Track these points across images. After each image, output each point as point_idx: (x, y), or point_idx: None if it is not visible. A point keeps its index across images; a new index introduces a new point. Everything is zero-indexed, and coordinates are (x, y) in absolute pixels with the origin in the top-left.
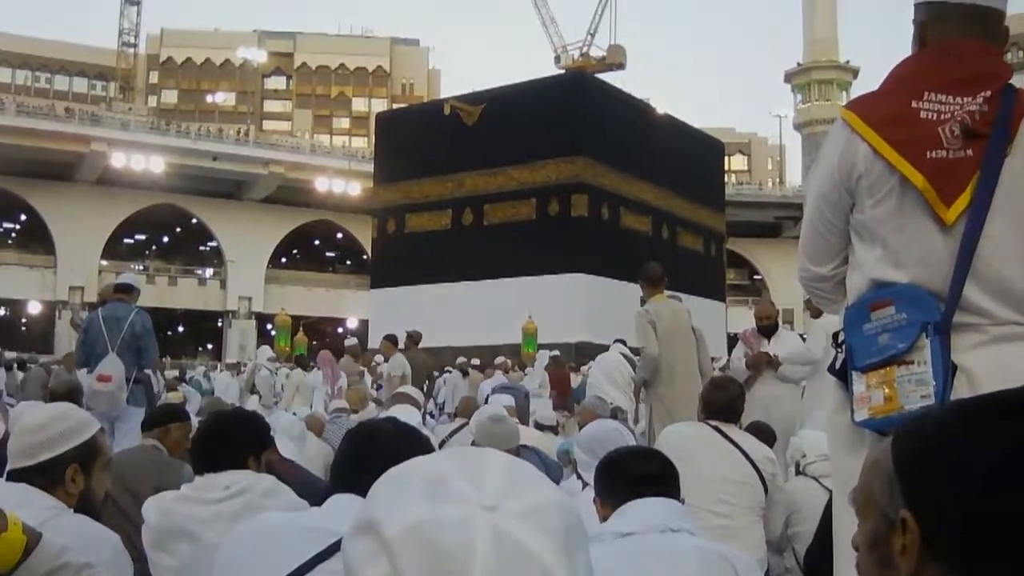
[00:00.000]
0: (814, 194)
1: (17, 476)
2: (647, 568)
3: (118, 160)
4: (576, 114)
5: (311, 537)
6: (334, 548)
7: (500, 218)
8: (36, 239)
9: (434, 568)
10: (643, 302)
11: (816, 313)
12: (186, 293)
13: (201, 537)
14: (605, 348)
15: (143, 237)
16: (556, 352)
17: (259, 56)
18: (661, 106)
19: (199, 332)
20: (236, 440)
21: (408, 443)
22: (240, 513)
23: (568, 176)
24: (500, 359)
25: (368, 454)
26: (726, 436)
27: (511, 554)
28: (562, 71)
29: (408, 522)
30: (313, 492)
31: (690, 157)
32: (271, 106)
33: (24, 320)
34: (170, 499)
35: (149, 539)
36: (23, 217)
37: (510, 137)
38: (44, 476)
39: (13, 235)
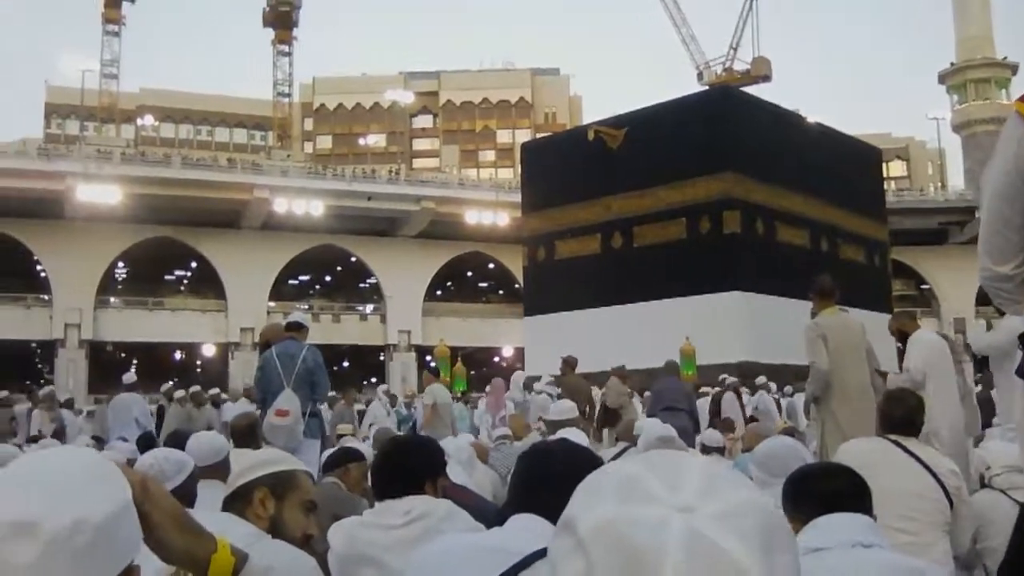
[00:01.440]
0: (990, 191)
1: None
2: None
3: (280, 205)
4: (723, 130)
5: (494, 558)
6: (518, 568)
7: (650, 239)
8: (208, 285)
9: (625, 566)
10: (813, 315)
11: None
12: (349, 329)
13: (384, 563)
14: (770, 368)
15: (307, 277)
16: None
17: (406, 97)
18: (811, 115)
19: (363, 366)
20: (413, 466)
21: (582, 462)
22: (420, 538)
23: (718, 193)
24: None
25: (543, 475)
26: (907, 450)
27: (704, 554)
28: (706, 87)
29: (600, 520)
30: (486, 516)
31: (846, 166)
32: (419, 144)
33: (199, 362)
34: (353, 525)
35: (335, 566)
36: (194, 264)
37: (656, 157)
38: (238, 502)
39: (186, 281)
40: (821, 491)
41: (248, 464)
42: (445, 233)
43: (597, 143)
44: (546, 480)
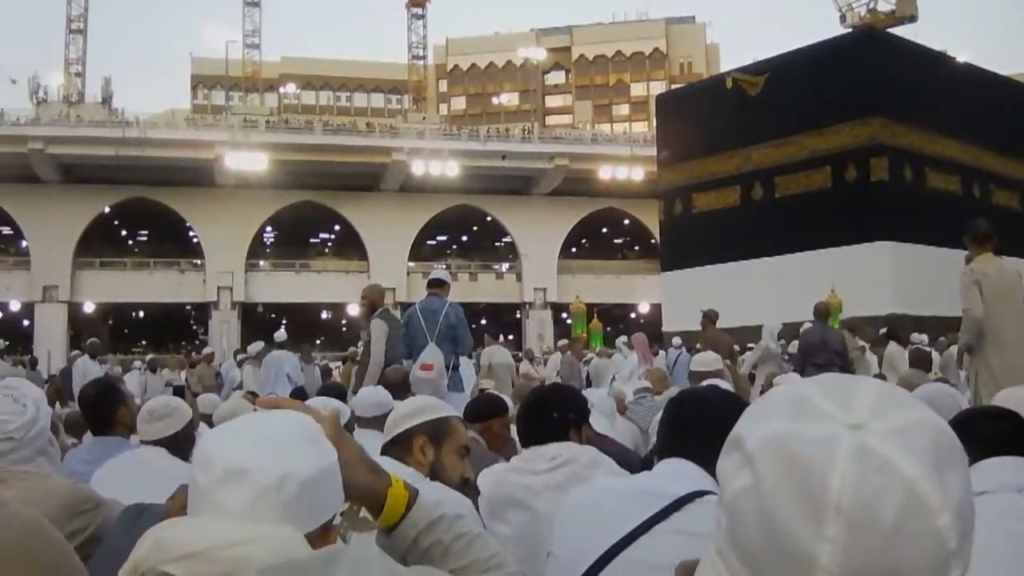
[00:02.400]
0: None
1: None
2: (1005, 527)
3: (417, 167)
4: (868, 73)
5: (647, 500)
6: (670, 509)
7: (792, 190)
8: (350, 246)
9: (792, 480)
10: (968, 261)
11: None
12: (485, 287)
13: (533, 506)
14: (920, 320)
15: (444, 237)
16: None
17: (538, 54)
18: (961, 55)
19: (500, 324)
20: (558, 414)
21: (734, 408)
22: (566, 483)
23: (864, 139)
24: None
25: (695, 420)
26: None
27: (873, 468)
28: (849, 30)
29: (769, 435)
30: (630, 464)
31: (999, 108)
32: (552, 101)
33: (344, 321)
34: (501, 471)
35: (485, 509)
36: (337, 227)
37: (798, 104)
38: (397, 448)
39: (329, 244)
40: (985, 433)
41: (406, 412)
42: (579, 190)
43: (736, 92)
44: (697, 424)
